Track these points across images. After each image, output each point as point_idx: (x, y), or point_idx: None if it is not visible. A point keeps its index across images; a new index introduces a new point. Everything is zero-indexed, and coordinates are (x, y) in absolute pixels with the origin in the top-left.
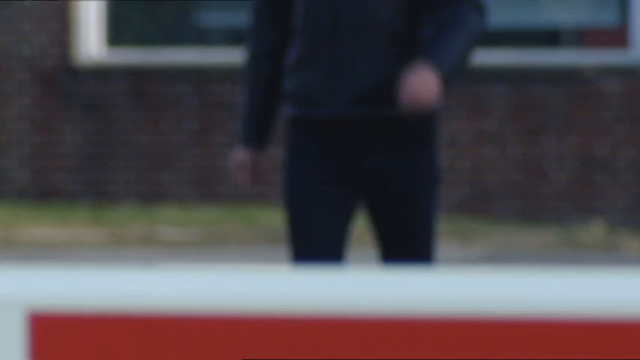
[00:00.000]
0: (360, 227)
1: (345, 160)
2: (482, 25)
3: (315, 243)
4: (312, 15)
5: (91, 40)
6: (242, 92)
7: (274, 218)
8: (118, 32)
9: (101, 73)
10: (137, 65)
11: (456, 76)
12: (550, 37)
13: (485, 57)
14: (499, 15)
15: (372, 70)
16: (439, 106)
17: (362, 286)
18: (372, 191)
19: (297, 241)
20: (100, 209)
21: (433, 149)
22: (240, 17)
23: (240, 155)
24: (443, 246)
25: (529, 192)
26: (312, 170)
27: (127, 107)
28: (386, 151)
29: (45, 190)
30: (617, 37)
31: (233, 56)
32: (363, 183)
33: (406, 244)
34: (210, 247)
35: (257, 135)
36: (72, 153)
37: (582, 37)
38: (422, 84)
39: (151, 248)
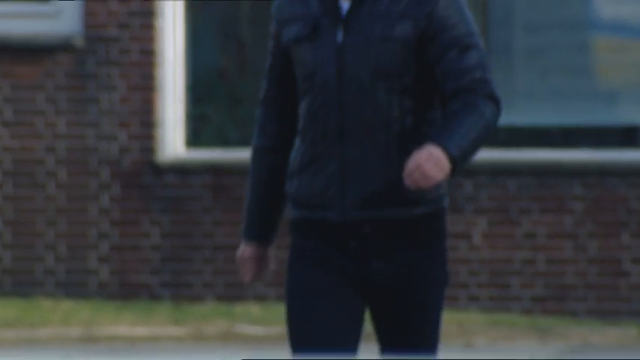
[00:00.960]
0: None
1: (352, 263)
2: (498, 115)
3: (326, 349)
4: (317, 114)
5: (172, 139)
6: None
7: None
8: (198, 131)
9: (182, 171)
10: (217, 163)
11: (467, 162)
12: (627, 136)
13: (563, 155)
14: (576, 114)
15: (381, 171)
16: (446, 206)
17: None
18: (378, 292)
19: (303, 344)
20: (181, 306)
21: (442, 251)
22: None
23: (244, 251)
24: (519, 342)
25: (606, 289)
26: (319, 276)
27: (206, 205)
28: (394, 253)
29: (126, 288)
30: None
31: None
32: (370, 285)
33: (409, 342)
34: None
35: (261, 230)
36: (152, 251)
37: None
38: (430, 161)
39: (231, 345)
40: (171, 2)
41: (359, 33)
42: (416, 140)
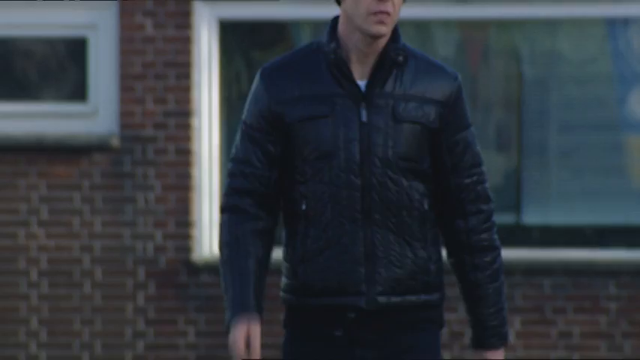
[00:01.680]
0: None
1: (365, 348)
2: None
3: None
4: (338, 195)
5: (208, 238)
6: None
7: None
8: None
9: (217, 271)
10: None
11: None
12: None
13: (597, 254)
14: (610, 213)
15: (406, 256)
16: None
17: None
18: None
19: None
20: None
21: (440, 329)
22: None
23: (235, 332)
24: None
25: None
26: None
27: None
28: (405, 337)
29: None
30: None
31: None
32: None
33: None
34: None
35: (258, 301)
36: (188, 350)
37: None
38: None
39: None
40: (207, 102)
41: (383, 113)
42: (431, 226)
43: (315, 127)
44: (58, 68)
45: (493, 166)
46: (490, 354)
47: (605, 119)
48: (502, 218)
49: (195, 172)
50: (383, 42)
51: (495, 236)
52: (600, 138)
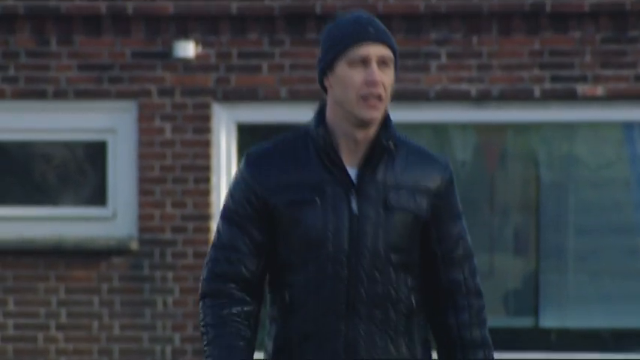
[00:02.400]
0: None
1: None
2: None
3: None
4: (323, 286)
5: None
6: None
7: None
8: None
9: None
10: None
11: None
12: None
13: (614, 358)
14: (627, 317)
15: (388, 351)
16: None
17: None
18: None
19: None
20: None
21: None
22: None
23: None
24: None
25: None
26: None
27: None
28: None
29: None
30: None
31: None
32: None
33: None
34: None
35: None
36: None
37: None
38: None
39: None
40: None
41: (374, 202)
42: (418, 321)
43: (303, 215)
44: (77, 172)
45: (511, 269)
46: None
47: (622, 223)
48: (520, 321)
49: None
50: (374, 128)
51: (487, 332)
52: (617, 242)
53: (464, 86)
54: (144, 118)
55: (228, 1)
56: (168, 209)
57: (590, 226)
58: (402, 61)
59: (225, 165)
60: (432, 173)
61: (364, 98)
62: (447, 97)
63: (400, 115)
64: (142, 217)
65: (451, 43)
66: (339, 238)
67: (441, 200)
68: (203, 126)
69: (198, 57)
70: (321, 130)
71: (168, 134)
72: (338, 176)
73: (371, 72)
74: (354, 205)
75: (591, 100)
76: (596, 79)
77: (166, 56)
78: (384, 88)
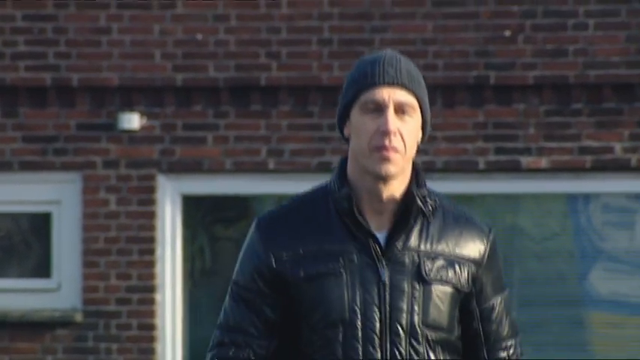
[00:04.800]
0: None
1: None
2: None
3: None
4: None
5: None
6: None
7: None
8: None
9: None
10: None
11: None
12: None
13: None
14: None
15: None
16: None
17: None
18: None
19: None
20: None
21: None
22: None
23: None
24: None
25: None
26: None
27: None
28: None
29: None
30: None
31: None
32: None
33: None
34: None
35: None
36: None
37: None
38: None
39: None
40: (171, 277)
41: (408, 273)
42: None
43: (326, 288)
44: (21, 243)
45: None
46: None
47: (567, 295)
48: None
49: (158, 347)
50: (399, 185)
51: None
52: (562, 314)
53: None
54: (89, 189)
55: (173, 72)
56: (113, 281)
57: (535, 298)
58: None
59: (170, 236)
60: (472, 240)
61: (377, 149)
62: None
63: None
64: (87, 289)
65: None
66: (367, 314)
67: (483, 271)
68: (148, 198)
69: (143, 129)
70: (345, 189)
71: (113, 206)
72: (364, 243)
73: (385, 120)
74: (384, 276)
75: (535, 171)
76: (540, 151)
77: (111, 128)
78: (402, 139)
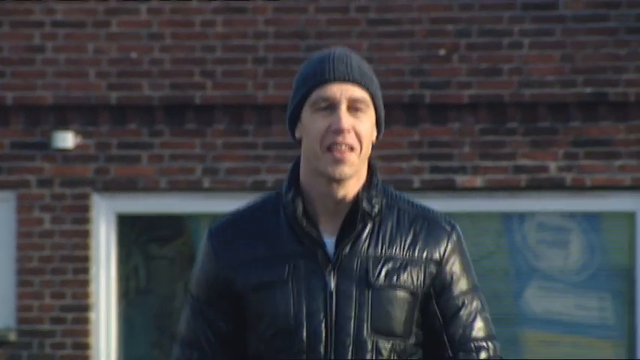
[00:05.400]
0: None
1: None
2: None
3: None
4: None
5: None
6: None
7: None
8: None
9: None
10: None
11: None
12: None
13: None
14: None
15: None
16: None
17: None
18: None
19: None
20: None
21: None
22: None
23: None
24: None
25: None
26: None
27: None
28: None
29: None
30: None
31: None
32: None
33: None
34: None
35: None
36: None
37: None
38: None
39: None
40: (105, 296)
41: (356, 279)
42: None
43: (271, 297)
44: None
45: None
46: None
47: (503, 314)
48: None
49: None
50: (354, 186)
51: None
52: (498, 332)
53: None
54: (23, 208)
55: (108, 91)
56: (47, 300)
57: None
58: None
59: (105, 255)
60: (431, 239)
61: (329, 149)
62: None
63: None
64: (21, 308)
65: None
66: (313, 323)
67: (444, 270)
68: (82, 216)
69: (77, 147)
70: (292, 193)
71: (47, 225)
72: (311, 249)
73: (337, 117)
74: (331, 283)
75: (470, 190)
76: (475, 170)
77: (45, 147)
78: (357, 137)
